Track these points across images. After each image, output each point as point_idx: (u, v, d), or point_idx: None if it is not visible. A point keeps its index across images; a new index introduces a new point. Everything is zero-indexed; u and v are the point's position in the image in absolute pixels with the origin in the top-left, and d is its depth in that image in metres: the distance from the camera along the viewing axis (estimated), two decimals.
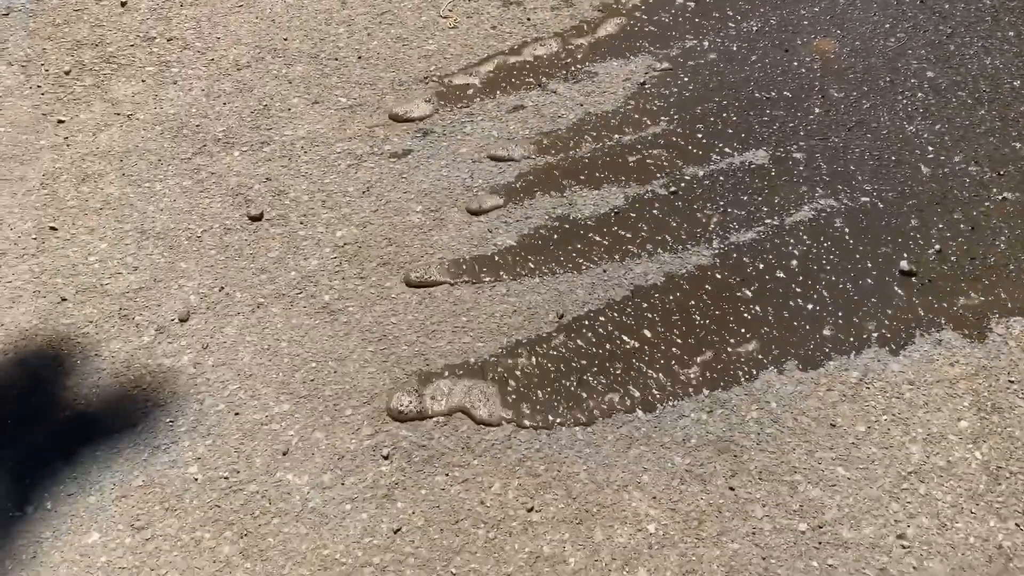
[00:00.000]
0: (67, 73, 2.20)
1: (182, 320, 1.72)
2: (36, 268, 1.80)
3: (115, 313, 1.73)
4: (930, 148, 2.00)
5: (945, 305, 1.73)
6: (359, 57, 2.25)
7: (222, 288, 1.77)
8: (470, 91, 2.15)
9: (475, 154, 2.02)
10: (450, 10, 2.37)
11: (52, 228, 1.87)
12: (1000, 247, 1.82)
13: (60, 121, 2.09)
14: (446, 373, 1.63)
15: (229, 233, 1.87)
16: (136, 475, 1.51)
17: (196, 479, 1.50)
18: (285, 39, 2.29)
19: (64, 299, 1.75)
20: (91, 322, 1.72)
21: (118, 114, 2.11)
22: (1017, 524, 1.46)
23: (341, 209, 1.92)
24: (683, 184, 1.94)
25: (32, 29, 2.30)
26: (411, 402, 1.58)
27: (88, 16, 2.34)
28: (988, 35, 2.25)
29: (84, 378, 1.63)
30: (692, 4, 2.34)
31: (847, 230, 1.85)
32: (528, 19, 2.34)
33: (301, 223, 1.89)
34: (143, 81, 2.19)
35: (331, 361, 1.66)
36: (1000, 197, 1.91)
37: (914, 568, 1.41)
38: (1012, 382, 1.63)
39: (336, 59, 2.24)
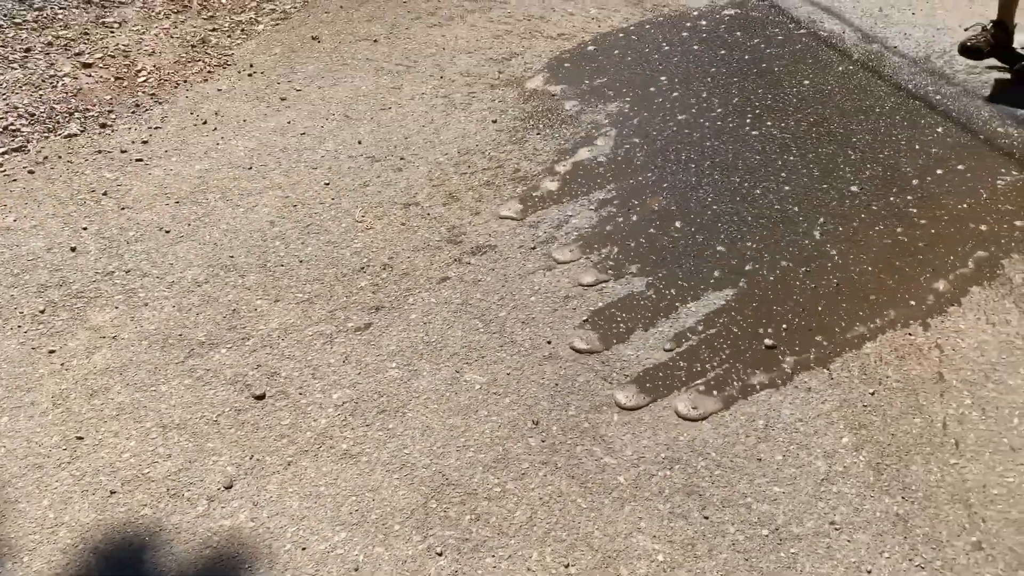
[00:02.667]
0: (42, 312, 2.37)
1: (227, 488, 1.91)
2: (76, 472, 1.94)
3: (165, 494, 1.90)
4: (756, 260, 2.59)
5: (804, 364, 2.25)
6: (300, 261, 2.59)
7: (252, 456, 1.99)
8: (403, 273, 2.54)
9: (424, 318, 2.39)
10: (363, 216, 2.78)
11: (78, 438, 2.02)
12: (825, 318, 2.40)
13: (51, 351, 2.25)
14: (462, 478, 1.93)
15: (241, 413, 2.10)
16: None
17: None
18: (231, 257, 2.60)
19: (113, 491, 1.90)
20: (145, 505, 1.87)
21: (103, 337, 2.30)
22: (903, 498, 1.93)
23: (330, 377, 2.20)
24: (599, 313, 2.40)
25: None
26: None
27: (43, 263, 2.54)
28: (765, 178, 2.95)
29: (157, 549, 1.78)
30: (552, 186, 2.90)
31: (723, 324, 2.36)
32: (428, 214, 2.79)
33: (300, 394, 2.15)
34: (116, 308, 2.40)
35: (367, 492, 1.91)
36: (812, 286, 2.51)
37: (848, 541, 1.83)
38: (866, 406, 2.15)
39: (282, 265, 2.57)
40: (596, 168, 3.00)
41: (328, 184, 2.92)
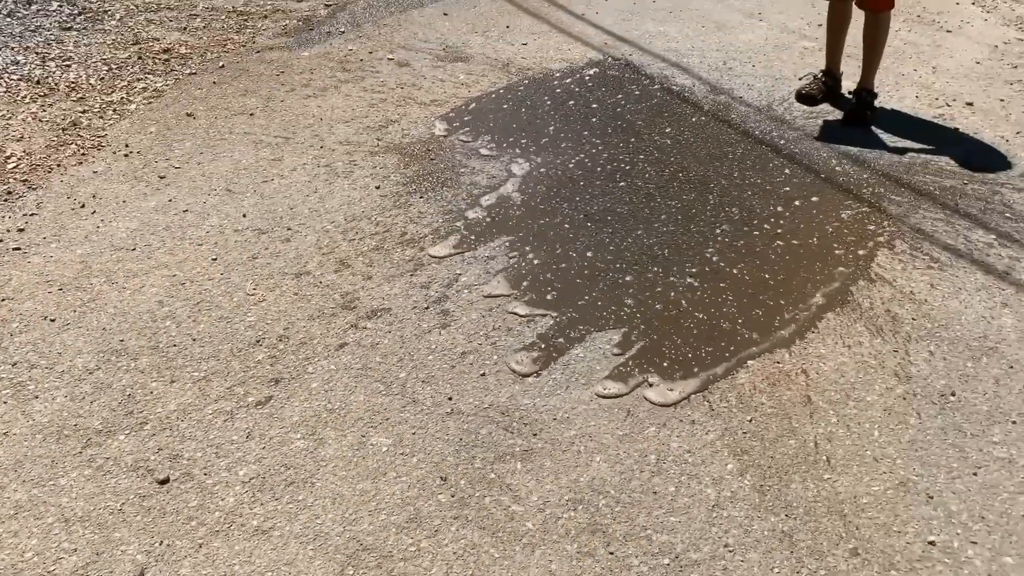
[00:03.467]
0: None
1: None
2: None
3: None
4: (635, 303, 2.73)
5: (686, 397, 2.38)
6: (193, 340, 2.55)
7: (162, 541, 1.95)
8: (300, 342, 2.54)
9: (325, 386, 2.40)
10: (255, 288, 2.77)
11: None
12: (701, 353, 2.54)
13: None
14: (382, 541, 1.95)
15: (146, 499, 2.05)
16: None
17: None
18: (122, 341, 2.54)
19: None
20: None
21: None
22: (786, 515, 2.07)
23: (234, 454, 2.18)
24: (495, 365, 2.47)
25: None
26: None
27: None
28: (636, 227, 3.11)
29: None
30: (439, 246, 2.97)
31: (610, 365, 2.47)
32: (320, 282, 2.81)
33: (205, 474, 2.12)
34: (4, 403, 2.31)
35: (282, 567, 1.90)
36: (687, 324, 2.66)
37: (742, 561, 1.95)
38: (745, 433, 2.29)
39: (175, 345, 2.53)
40: (479, 227, 3.10)
41: (216, 259, 2.90)
